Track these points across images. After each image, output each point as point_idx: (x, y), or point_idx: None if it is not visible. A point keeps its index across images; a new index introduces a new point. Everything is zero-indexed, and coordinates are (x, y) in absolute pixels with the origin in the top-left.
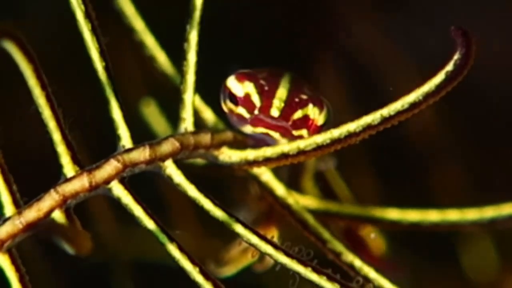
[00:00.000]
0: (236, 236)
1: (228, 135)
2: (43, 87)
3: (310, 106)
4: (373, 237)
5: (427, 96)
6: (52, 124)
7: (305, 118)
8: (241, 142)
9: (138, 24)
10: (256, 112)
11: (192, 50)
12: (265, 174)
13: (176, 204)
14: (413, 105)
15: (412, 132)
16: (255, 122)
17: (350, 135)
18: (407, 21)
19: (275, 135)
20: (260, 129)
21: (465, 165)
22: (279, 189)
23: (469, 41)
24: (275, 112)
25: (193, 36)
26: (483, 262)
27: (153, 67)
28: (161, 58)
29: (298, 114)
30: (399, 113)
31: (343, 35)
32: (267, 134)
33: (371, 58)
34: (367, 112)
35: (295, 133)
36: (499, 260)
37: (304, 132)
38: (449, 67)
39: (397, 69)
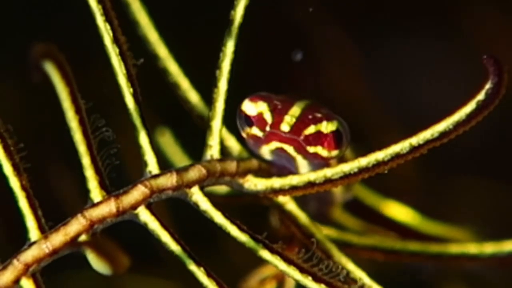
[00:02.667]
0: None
1: (254, 163)
2: (77, 111)
3: (324, 122)
4: None
5: (458, 125)
6: (82, 148)
7: (318, 134)
8: (266, 170)
9: (162, 50)
10: (267, 128)
11: (224, 78)
12: (289, 203)
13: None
14: (443, 134)
15: None
16: (268, 138)
17: (378, 164)
18: (393, 73)
19: (289, 149)
20: (275, 144)
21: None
22: (303, 218)
23: (501, 70)
24: (285, 127)
25: (226, 64)
26: None
27: (176, 94)
28: (185, 85)
29: (310, 130)
30: (428, 142)
31: (328, 88)
32: (282, 149)
33: (355, 110)
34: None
35: (309, 149)
36: None
37: (319, 149)
38: (481, 96)
39: (382, 121)
